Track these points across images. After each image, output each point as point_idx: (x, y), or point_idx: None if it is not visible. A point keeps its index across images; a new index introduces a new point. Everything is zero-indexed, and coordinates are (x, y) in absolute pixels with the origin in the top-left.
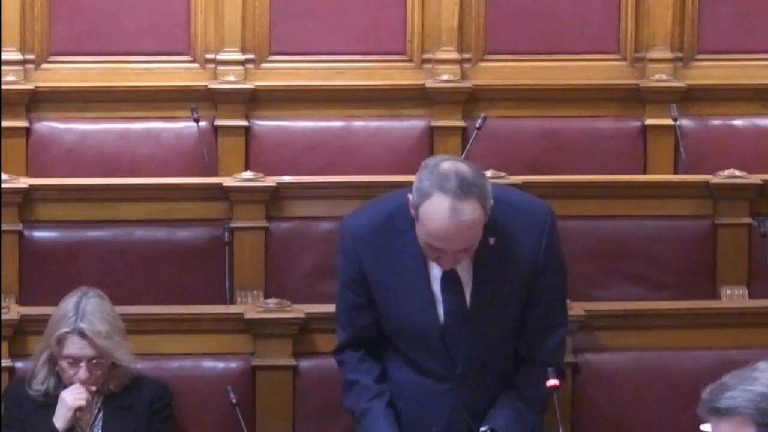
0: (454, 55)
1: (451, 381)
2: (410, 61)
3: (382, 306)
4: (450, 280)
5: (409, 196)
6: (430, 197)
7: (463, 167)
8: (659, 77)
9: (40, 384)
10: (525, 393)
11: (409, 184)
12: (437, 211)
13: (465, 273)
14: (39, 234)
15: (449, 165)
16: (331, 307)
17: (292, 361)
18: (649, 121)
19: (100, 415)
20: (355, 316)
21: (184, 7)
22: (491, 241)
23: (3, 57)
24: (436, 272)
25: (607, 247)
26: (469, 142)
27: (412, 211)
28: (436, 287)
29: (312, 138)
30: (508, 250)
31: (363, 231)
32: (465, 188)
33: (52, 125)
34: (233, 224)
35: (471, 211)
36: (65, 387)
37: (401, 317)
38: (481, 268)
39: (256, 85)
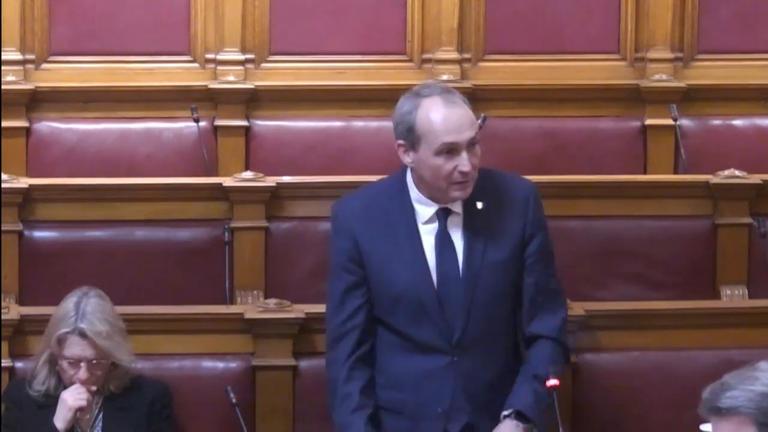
0: (454, 55)
1: (450, 354)
2: (410, 61)
3: (378, 278)
4: (444, 239)
5: (399, 142)
6: (419, 106)
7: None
8: (659, 77)
9: (40, 384)
10: (540, 372)
11: None
12: (435, 109)
13: (456, 238)
14: (39, 234)
15: (416, 87)
16: None
17: (292, 361)
18: (649, 121)
19: (101, 415)
20: (348, 298)
21: (184, 7)
22: (479, 205)
23: (3, 57)
24: (428, 238)
25: (607, 247)
26: None
27: (407, 158)
28: (430, 254)
29: (312, 138)
30: (497, 215)
31: (355, 208)
32: (444, 88)
33: (52, 125)
34: (233, 224)
35: (461, 99)
36: (65, 387)
37: (397, 287)
38: (471, 232)
39: (256, 85)
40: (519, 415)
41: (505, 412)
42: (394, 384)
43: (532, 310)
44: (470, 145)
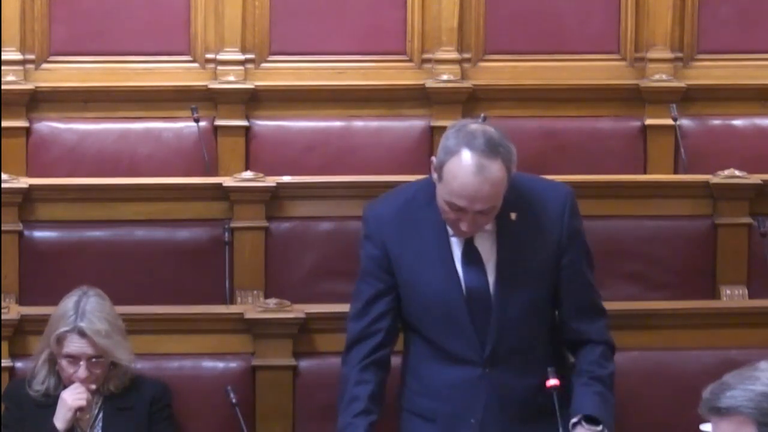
0: (454, 55)
1: (481, 366)
2: (410, 61)
3: (407, 286)
4: (470, 254)
5: (432, 158)
6: (456, 154)
7: (491, 129)
8: (659, 77)
9: (40, 384)
10: (598, 374)
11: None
12: (463, 168)
13: (489, 249)
14: (39, 234)
15: (477, 126)
16: (331, 307)
17: (292, 361)
18: (649, 121)
19: (100, 415)
20: (373, 305)
21: (184, 7)
22: (513, 216)
23: (3, 57)
24: (457, 249)
25: (607, 247)
26: None
27: (434, 175)
28: (460, 265)
29: (312, 138)
30: (531, 226)
31: (385, 214)
32: (492, 147)
33: (52, 125)
34: (233, 224)
35: (496, 169)
36: (65, 387)
37: (426, 296)
38: (504, 244)
39: (256, 85)
40: (588, 420)
41: (574, 420)
42: (428, 392)
43: (575, 318)
44: (479, 212)
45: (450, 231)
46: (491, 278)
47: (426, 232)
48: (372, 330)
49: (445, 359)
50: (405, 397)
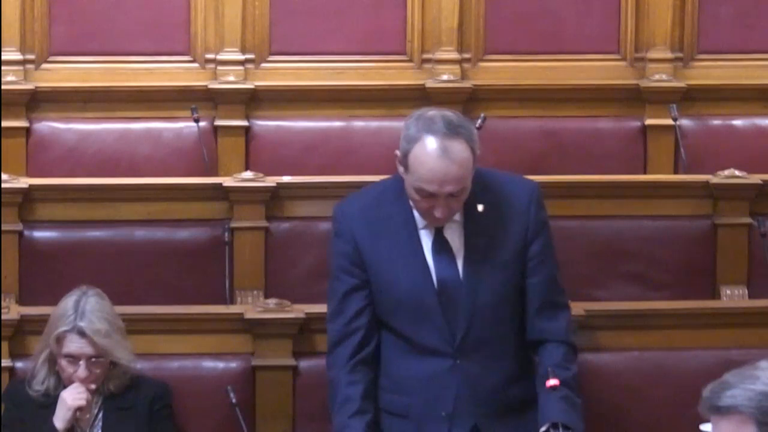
0: (454, 55)
1: (452, 357)
2: (410, 61)
3: (378, 280)
4: (440, 244)
5: (396, 152)
6: (419, 141)
7: (448, 112)
8: (659, 77)
9: (39, 384)
10: (562, 377)
11: None
12: (428, 153)
13: (457, 241)
14: (39, 234)
15: (434, 112)
16: None
17: (292, 361)
18: (649, 121)
19: (100, 415)
20: (349, 301)
21: (184, 7)
22: (480, 208)
23: (3, 57)
24: (427, 240)
25: (607, 247)
26: None
27: (401, 168)
28: (430, 257)
29: (312, 138)
30: (498, 217)
31: (355, 210)
32: (452, 129)
33: (52, 125)
34: (233, 224)
35: (460, 150)
36: (65, 387)
37: (398, 289)
38: (472, 236)
39: (256, 85)
40: (556, 427)
41: (542, 429)
42: (399, 388)
43: (537, 313)
44: (450, 195)
45: (420, 224)
46: (461, 268)
47: (395, 226)
48: (352, 328)
49: (416, 353)
50: (378, 396)
